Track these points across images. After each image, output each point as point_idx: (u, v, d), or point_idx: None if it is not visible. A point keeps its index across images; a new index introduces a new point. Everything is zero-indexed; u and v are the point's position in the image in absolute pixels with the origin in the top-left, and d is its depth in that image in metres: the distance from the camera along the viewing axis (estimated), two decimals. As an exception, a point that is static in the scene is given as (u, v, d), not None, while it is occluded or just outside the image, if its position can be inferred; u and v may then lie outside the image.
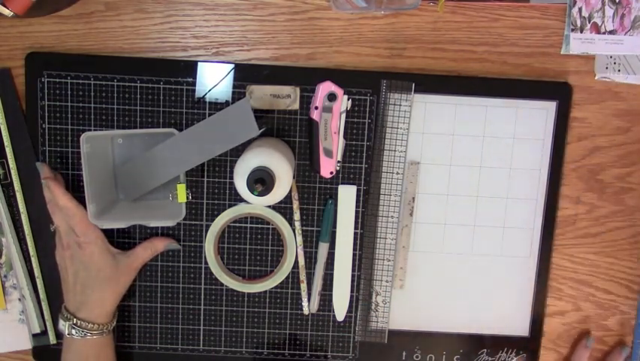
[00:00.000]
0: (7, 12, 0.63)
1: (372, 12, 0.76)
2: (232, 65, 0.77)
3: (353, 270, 0.81)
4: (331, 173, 0.78)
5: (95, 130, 0.77)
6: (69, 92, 0.76)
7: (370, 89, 0.78)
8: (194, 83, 0.77)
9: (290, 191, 0.77)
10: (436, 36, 0.78)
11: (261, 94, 0.77)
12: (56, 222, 0.74)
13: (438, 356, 0.83)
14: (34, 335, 0.80)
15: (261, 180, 0.65)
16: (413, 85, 0.78)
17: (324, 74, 0.76)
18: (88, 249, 0.73)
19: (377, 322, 0.82)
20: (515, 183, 0.81)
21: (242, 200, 0.78)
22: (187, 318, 0.82)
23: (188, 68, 0.77)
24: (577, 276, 0.84)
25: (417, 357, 0.83)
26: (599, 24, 0.77)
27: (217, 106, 0.77)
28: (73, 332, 0.73)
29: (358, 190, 0.80)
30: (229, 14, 0.77)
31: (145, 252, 0.77)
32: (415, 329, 0.83)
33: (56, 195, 0.73)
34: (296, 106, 0.77)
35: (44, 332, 0.80)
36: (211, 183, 0.79)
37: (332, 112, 0.75)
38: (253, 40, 0.77)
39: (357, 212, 0.80)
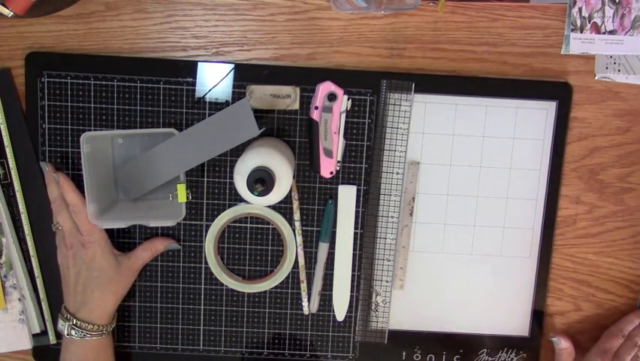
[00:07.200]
0: (7, 12, 0.63)
1: (372, 12, 0.76)
2: (232, 65, 0.77)
3: (353, 270, 0.81)
4: (331, 173, 0.78)
5: (95, 130, 0.77)
6: (69, 92, 0.76)
7: (370, 89, 0.78)
8: (194, 83, 0.77)
9: (290, 191, 0.77)
10: (436, 36, 0.78)
11: (261, 94, 0.77)
12: (60, 221, 0.74)
13: (438, 356, 0.83)
14: (34, 335, 0.80)
15: (261, 180, 0.65)
16: (413, 85, 0.78)
17: (324, 74, 0.76)
18: (91, 249, 0.73)
19: (377, 322, 0.82)
20: (515, 183, 0.81)
21: (242, 200, 0.78)
22: (187, 318, 0.82)
23: (188, 68, 0.77)
24: (577, 276, 0.84)
25: (417, 357, 0.83)
26: (599, 24, 0.77)
27: (217, 106, 0.77)
28: (73, 332, 0.73)
29: (358, 190, 0.80)
30: (229, 14, 0.77)
31: (145, 253, 0.77)
32: (415, 329, 0.83)
33: (66, 191, 0.73)
34: (296, 106, 0.77)
35: (44, 332, 0.80)
36: (211, 183, 0.79)
37: (332, 112, 0.75)
38: (253, 40, 0.77)
39: (357, 212, 0.80)
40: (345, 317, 0.82)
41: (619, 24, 0.77)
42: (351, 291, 0.82)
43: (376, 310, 0.82)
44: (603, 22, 0.77)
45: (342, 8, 0.74)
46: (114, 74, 0.76)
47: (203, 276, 0.81)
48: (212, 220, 0.79)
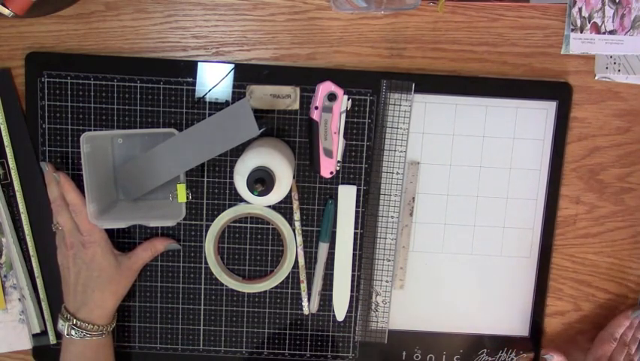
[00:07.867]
0: (7, 12, 0.63)
1: (372, 12, 0.76)
2: (232, 65, 0.77)
3: (353, 270, 0.81)
4: (331, 173, 0.78)
5: (95, 130, 0.77)
6: (69, 92, 0.76)
7: (370, 89, 0.78)
8: (194, 83, 0.77)
9: (290, 191, 0.77)
10: (436, 36, 0.78)
11: (261, 94, 0.77)
12: (61, 221, 0.74)
13: (438, 356, 0.83)
14: (34, 335, 0.80)
15: (261, 180, 0.65)
16: (413, 85, 0.78)
17: (324, 74, 0.76)
18: (91, 249, 0.73)
19: (377, 322, 0.82)
20: (515, 183, 0.81)
21: (242, 200, 0.78)
22: (187, 318, 0.82)
23: (188, 68, 0.77)
24: (577, 276, 0.84)
25: (417, 357, 0.83)
26: (599, 24, 0.77)
27: (217, 106, 0.77)
28: (73, 332, 0.73)
29: (358, 190, 0.80)
30: (229, 14, 0.77)
31: (145, 253, 0.77)
32: (415, 329, 0.83)
33: (66, 190, 0.73)
34: (296, 106, 0.77)
35: (44, 332, 0.80)
36: (211, 183, 0.79)
37: (332, 112, 0.75)
38: (253, 40, 0.77)
39: (357, 212, 0.80)
40: (345, 317, 0.82)
41: (619, 24, 0.77)
42: (351, 291, 0.82)
43: (376, 310, 0.82)
44: (603, 22, 0.77)
45: (342, 8, 0.74)
46: (114, 74, 0.76)
47: (203, 276, 0.81)
48: (212, 220, 0.79)
